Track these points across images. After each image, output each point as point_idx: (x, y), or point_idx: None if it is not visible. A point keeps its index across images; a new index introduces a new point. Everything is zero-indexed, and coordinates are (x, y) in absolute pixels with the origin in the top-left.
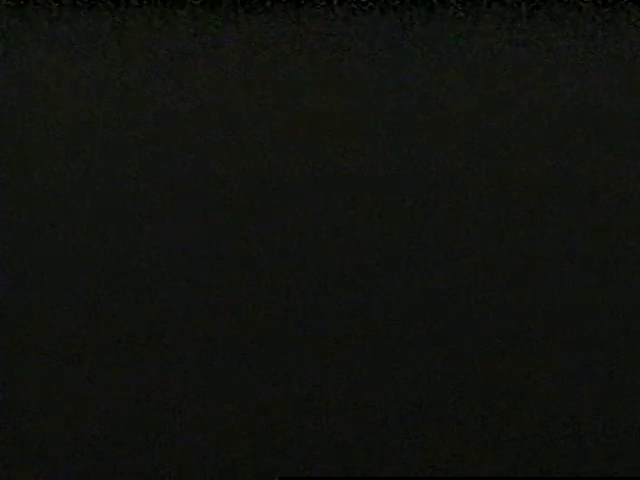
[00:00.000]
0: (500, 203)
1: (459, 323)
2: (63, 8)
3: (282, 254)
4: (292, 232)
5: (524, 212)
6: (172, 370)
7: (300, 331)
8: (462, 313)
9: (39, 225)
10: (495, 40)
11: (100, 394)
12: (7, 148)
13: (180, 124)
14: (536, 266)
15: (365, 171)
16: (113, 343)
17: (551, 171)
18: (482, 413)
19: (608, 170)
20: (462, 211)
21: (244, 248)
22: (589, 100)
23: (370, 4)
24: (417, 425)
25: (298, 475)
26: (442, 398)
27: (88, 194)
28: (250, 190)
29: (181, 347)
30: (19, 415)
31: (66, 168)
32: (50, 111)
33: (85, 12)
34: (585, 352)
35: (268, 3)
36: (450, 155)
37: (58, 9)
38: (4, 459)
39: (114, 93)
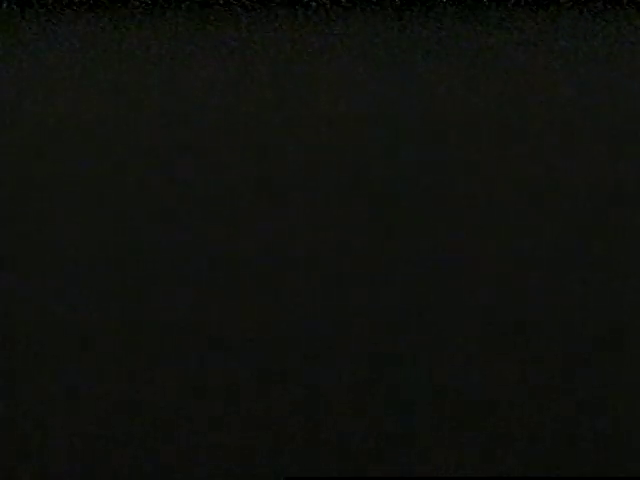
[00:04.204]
0: (500, 203)
1: (459, 325)
2: (62, 8)
3: (281, 256)
4: (292, 233)
5: (524, 212)
6: (176, 370)
7: (302, 332)
8: (463, 317)
9: (38, 226)
10: (495, 40)
11: (102, 393)
12: (6, 148)
13: (179, 124)
14: (537, 271)
15: (365, 172)
16: (113, 342)
17: (551, 171)
18: (482, 414)
19: (608, 170)
20: (462, 212)
21: (243, 249)
22: (589, 100)
23: (370, 4)
24: (420, 426)
25: (305, 475)
26: (444, 398)
27: (88, 194)
28: (250, 191)
29: (184, 346)
30: (19, 415)
31: (65, 168)
32: (49, 111)
33: (85, 12)
34: (585, 352)
35: (268, 3)
36: (450, 155)
37: (58, 9)
38: (4, 459)
39: (113, 93)
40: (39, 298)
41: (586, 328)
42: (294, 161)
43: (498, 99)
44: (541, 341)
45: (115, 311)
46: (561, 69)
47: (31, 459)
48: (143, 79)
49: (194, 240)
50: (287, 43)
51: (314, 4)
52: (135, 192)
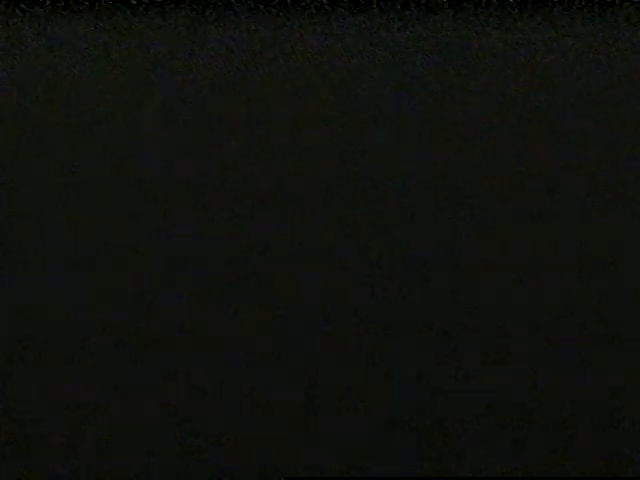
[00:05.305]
0: (500, 204)
1: (458, 327)
2: (63, 8)
3: (281, 256)
4: (291, 233)
5: (523, 213)
6: (176, 370)
7: (302, 332)
8: (462, 319)
9: (38, 227)
10: (495, 40)
11: (101, 393)
12: (7, 149)
13: (179, 125)
14: (537, 273)
15: (364, 172)
16: (114, 342)
17: (551, 172)
18: (482, 414)
19: (608, 170)
20: (462, 212)
21: (242, 250)
22: (589, 100)
23: (369, 4)
24: (420, 425)
25: (304, 475)
26: (444, 398)
27: (88, 195)
28: (249, 191)
29: (184, 346)
30: (19, 415)
31: (65, 169)
32: (49, 111)
33: (85, 12)
34: (586, 352)
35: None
36: (450, 156)
37: (58, 9)
38: (4, 459)
39: (112, 93)
40: (39, 298)
41: (586, 328)
42: (293, 161)
43: (498, 99)
44: (541, 341)
45: (115, 310)
46: (561, 69)
47: (31, 459)
48: (143, 79)
49: (193, 240)
50: (287, 43)
51: (314, 4)
52: (134, 192)
